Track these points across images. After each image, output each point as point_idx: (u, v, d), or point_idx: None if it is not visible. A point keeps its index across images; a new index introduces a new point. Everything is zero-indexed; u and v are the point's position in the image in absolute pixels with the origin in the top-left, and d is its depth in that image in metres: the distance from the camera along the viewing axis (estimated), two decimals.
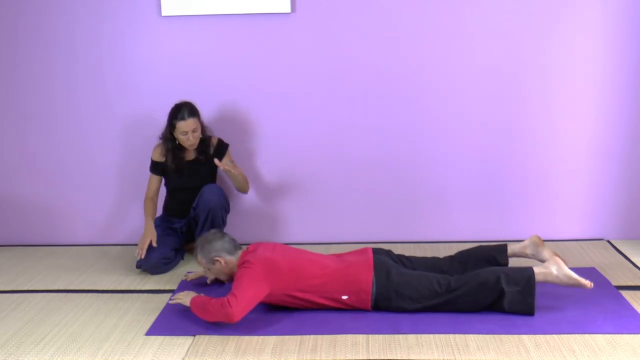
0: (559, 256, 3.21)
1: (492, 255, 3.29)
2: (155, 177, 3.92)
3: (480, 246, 3.38)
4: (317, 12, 3.96)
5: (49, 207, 4.29)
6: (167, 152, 3.83)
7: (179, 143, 3.80)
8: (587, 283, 2.99)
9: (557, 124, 4.00)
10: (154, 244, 3.69)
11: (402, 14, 3.94)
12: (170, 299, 3.20)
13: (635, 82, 3.92)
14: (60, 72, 4.11)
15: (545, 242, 4.01)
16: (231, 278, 3.26)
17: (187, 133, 3.72)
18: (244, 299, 2.91)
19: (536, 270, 3.01)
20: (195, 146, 3.81)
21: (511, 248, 3.32)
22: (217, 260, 3.22)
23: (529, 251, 3.32)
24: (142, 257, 3.66)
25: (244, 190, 3.96)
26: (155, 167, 3.90)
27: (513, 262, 3.32)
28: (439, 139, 4.06)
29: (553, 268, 3.02)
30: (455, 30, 3.94)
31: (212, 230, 3.35)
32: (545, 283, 3.03)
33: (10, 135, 4.22)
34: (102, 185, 4.23)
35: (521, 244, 3.34)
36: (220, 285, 3.43)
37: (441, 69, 3.98)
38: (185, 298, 3.08)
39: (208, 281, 3.43)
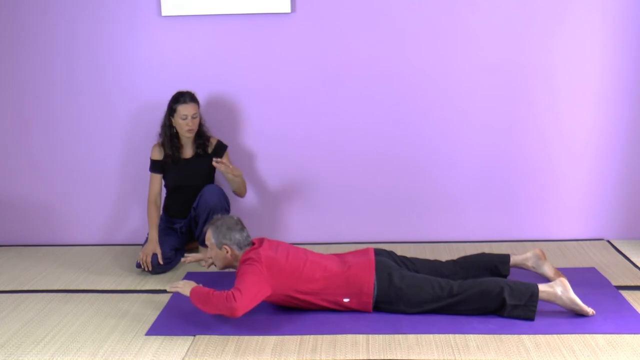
0: (564, 276, 3.22)
1: (494, 264, 3.29)
2: (156, 177, 3.92)
3: (483, 254, 3.40)
4: (317, 12, 3.96)
5: (49, 207, 4.29)
6: (165, 141, 3.82)
7: (176, 132, 3.81)
8: (590, 311, 2.97)
9: (557, 124, 4.00)
10: (160, 261, 3.68)
11: (403, 14, 3.94)
12: (168, 287, 3.12)
13: (635, 83, 3.92)
14: (61, 72, 4.12)
15: (546, 242, 4.03)
16: (226, 267, 3.24)
17: (187, 117, 3.73)
18: (248, 294, 2.89)
19: (541, 287, 2.97)
20: (194, 133, 3.81)
21: (513, 259, 3.33)
22: (225, 248, 3.17)
23: (530, 263, 3.33)
24: (150, 269, 3.66)
25: (240, 193, 3.95)
26: (155, 166, 3.90)
27: (514, 272, 3.34)
28: (440, 139, 4.06)
29: (558, 289, 2.98)
30: (456, 30, 3.94)
31: (236, 218, 3.27)
32: (546, 302, 2.99)
33: (10, 135, 4.22)
34: (102, 185, 4.23)
35: (523, 255, 3.35)
36: (222, 280, 3.42)
37: (442, 69, 3.98)
38: (185, 287, 3.04)
39: (206, 267, 3.36)
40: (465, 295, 2.99)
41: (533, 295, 2.95)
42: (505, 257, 3.32)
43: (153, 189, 3.91)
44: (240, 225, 3.23)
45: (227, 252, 3.17)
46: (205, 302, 2.93)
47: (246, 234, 3.22)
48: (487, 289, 2.99)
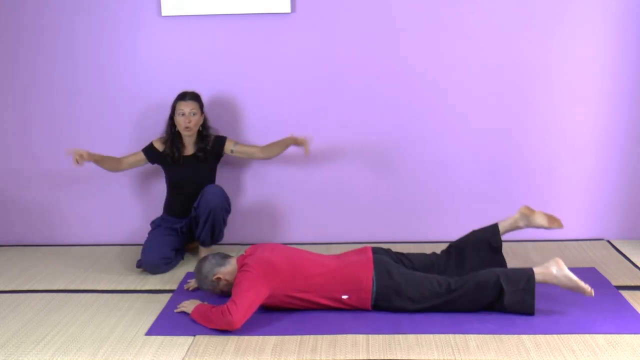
0: (558, 222, 3.25)
1: (486, 239, 3.28)
2: (139, 155, 3.90)
3: (472, 232, 3.36)
4: (317, 12, 3.96)
5: (49, 207, 4.29)
6: (167, 138, 3.84)
7: (177, 129, 3.82)
8: (587, 288, 2.98)
9: (557, 124, 4.00)
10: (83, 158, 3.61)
11: (403, 14, 3.94)
12: (175, 308, 3.18)
13: (635, 83, 3.92)
14: (61, 72, 4.11)
15: (546, 243, 4.04)
16: None
17: (185, 114, 3.75)
18: (243, 305, 2.91)
19: (536, 270, 3.02)
20: (192, 132, 3.82)
21: (502, 225, 3.30)
22: (218, 278, 3.19)
23: (521, 223, 3.30)
24: (79, 162, 3.60)
25: (279, 153, 3.92)
26: (149, 150, 3.89)
27: (509, 251, 3.34)
28: (440, 139, 4.06)
29: (553, 268, 3.01)
30: (456, 30, 3.94)
31: (197, 263, 3.33)
32: (544, 283, 3.03)
33: (10, 135, 4.22)
34: (102, 185, 4.23)
35: (511, 218, 3.31)
36: None
37: (442, 69, 3.98)
38: (190, 307, 3.10)
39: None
40: (463, 289, 3.01)
41: (530, 278, 2.97)
42: (494, 229, 3.29)
43: (129, 158, 3.89)
44: (202, 260, 3.27)
45: (221, 278, 3.19)
46: (205, 319, 2.97)
47: (211, 255, 3.27)
48: (484, 279, 3.01)
